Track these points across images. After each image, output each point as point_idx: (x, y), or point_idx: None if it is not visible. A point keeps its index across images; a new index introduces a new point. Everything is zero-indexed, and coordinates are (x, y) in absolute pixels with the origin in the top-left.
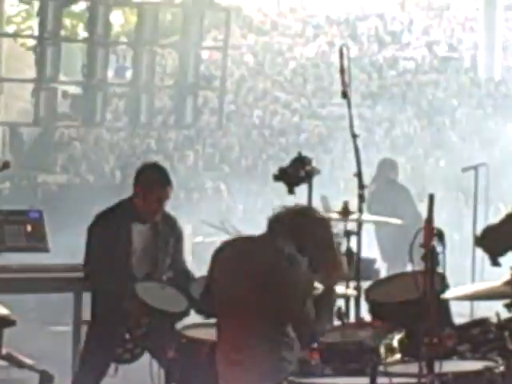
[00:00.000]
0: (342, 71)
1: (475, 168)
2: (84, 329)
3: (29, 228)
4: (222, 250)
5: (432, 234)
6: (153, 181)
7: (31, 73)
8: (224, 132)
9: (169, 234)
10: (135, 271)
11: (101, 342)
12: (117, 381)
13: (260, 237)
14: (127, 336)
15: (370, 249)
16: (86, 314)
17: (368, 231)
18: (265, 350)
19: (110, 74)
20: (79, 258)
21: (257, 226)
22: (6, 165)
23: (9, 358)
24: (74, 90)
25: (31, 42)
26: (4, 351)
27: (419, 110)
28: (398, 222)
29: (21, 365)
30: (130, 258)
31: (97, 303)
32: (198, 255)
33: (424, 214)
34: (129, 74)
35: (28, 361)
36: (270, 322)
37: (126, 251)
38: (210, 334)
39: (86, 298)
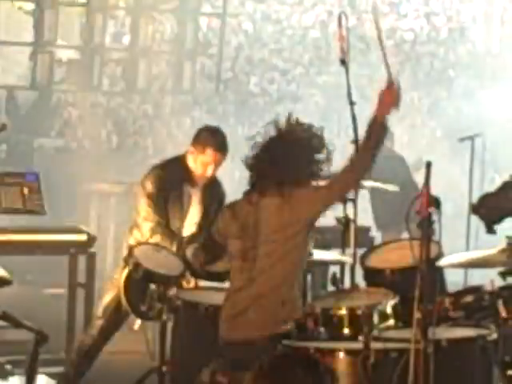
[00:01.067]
0: (340, 38)
1: (472, 138)
2: (79, 291)
3: (25, 190)
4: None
5: (428, 201)
6: (206, 143)
7: (29, 37)
8: (221, 99)
9: (214, 197)
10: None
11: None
12: (111, 347)
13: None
14: (155, 295)
15: (365, 217)
16: (81, 277)
17: (363, 199)
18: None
19: (108, 39)
20: (75, 221)
21: None
22: (2, 127)
23: (5, 318)
24: (71, 54)
25: (29, 6)
26: (0, 311)
27: (416, 80)
28: (396, 188)
29: (17, 324)
30: (182, 221)
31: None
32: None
33: (420, 182)
34: (126, 39)
35: (25, 321)
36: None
37: (178, 210)
38: (206, 297)
39: (81, 260)
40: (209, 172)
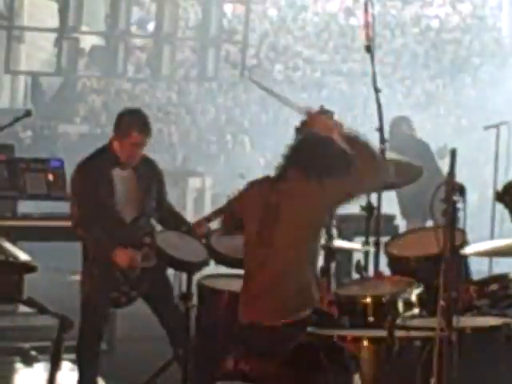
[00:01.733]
0: (366, 25)
1: (497, 127)
2: None
3: (50, 177)
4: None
5: (453, 189)
6: (130, 126)
7: (54, 23)
8: (245, 86)
9: (150, 176)
10: (123, 216)
11: (95, 285)
12: (132, 334)
13: None
14: (121, 279)
15: (389, 205)
16: None
17: None
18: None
19: (133, 25)
20: None
21: None
22: (27, 113)
23: (30, 303)
24: (96, 40)
25: None
26: (25, 295)
27: (441, 68)
28: (420, 166)
29: (42, 310)
30: (114, 203)
31: (87, 251)
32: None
33: (445, 170)
34: (151, 26)
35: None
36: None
37: (110, 197)
38: (229, 285)
39: None
40: (137, 155)
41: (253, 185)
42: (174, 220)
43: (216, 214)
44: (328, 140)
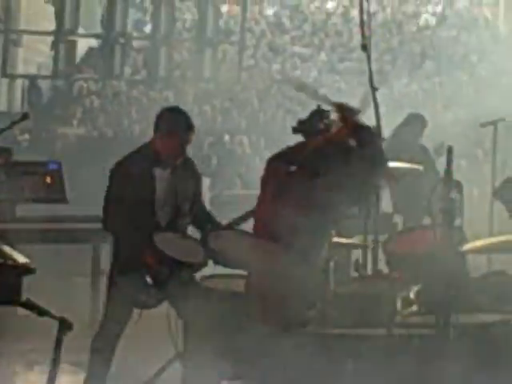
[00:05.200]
0: (362, 24)
1: (494, 123)
2: (102, 279)
3: (48, 179)
4: None
5: (451, 186)
6: (177, 126)
7: (50, 26)
8: (242, 86)
9: (189, 178)
10: (158, 218)
11: (123, 290)
12: (133, 333)
13: None
14: (150, 281)
15: (387, 203)
16: (105, 265)
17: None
18: None
19: (129, 27)
20: (97, 210)
21: None
22: (24, 116)
23: (28, 305)
24: (92, 43)
25: None
26: (23, 298)
27: (439, 65)
28: (420, 168)
29: (41, 312)
30: (154, 205)
31: (120, 252)
32: (215, 208)
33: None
34: (148, 27)
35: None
36: None
37: (151, 198)
38: (227, 285)
39: (104, 248)
40: (183, 153)
41: None
42: (205, 220)
43: (242, 218)
44: None
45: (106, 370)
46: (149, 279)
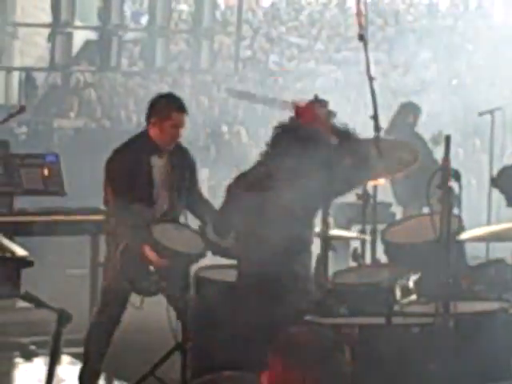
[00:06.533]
0: (358, 13)
1: (491, 112)
2: (101, 271)
3: (45, 171)
4: None
5: (449, 175)
6: (169, 108)
7: (47, 18)
8: (240, 77)
9: (184, 166)
10: (156, 207)
11: (121, 273)
12: (134, 324)
13: None
14: (152, 268)
15: (386, 193)
16: (103, 257)
17: None
18: None
19: (126, 19)
20: (95, 202)
21: None
22: (21, 109)
23: (27, 297)
24: (89, 35)
25: None
26: (22, 290)
27: (435, 54)
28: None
29: (39, 304)
30: (152, 193)
31: (115, 239)
32: (213, 198)
33: (440, 156)
34: (144, 19)
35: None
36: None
37: (149, 186)
38: (226, 276)
39: (103, 240)
40: (178, 136)
41: None
42: (202, 207)
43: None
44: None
45: (101, 359)
46: (151, 267)
